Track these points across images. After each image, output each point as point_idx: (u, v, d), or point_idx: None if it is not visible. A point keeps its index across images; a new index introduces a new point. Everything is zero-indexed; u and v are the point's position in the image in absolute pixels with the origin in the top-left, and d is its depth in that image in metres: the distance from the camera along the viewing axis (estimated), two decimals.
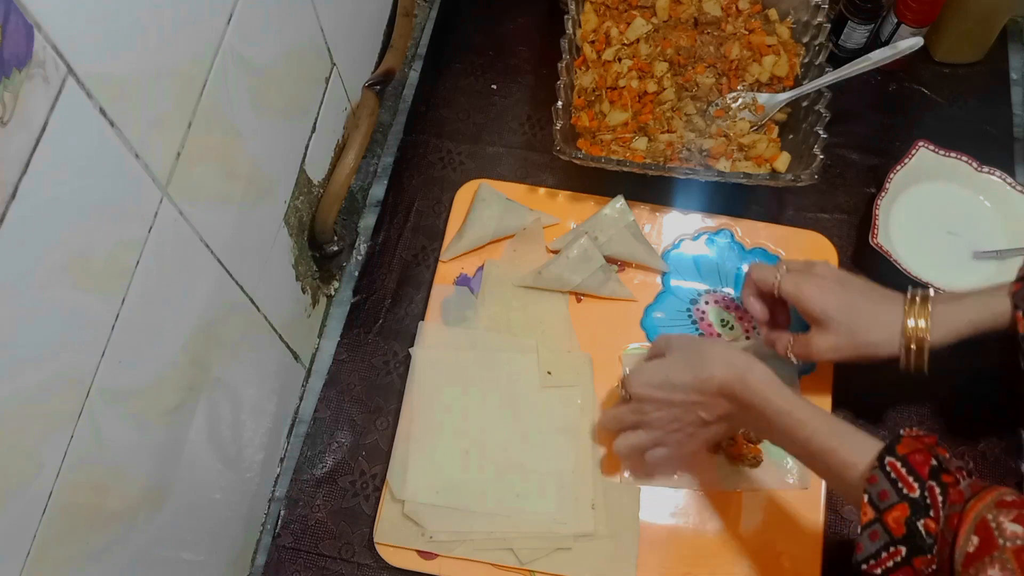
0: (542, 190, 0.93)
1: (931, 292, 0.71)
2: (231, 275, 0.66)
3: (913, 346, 0.69)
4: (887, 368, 0.84)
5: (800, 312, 0.75)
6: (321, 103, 0.80)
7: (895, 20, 0.94)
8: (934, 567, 0.54)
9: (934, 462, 0.57)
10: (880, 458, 0.58)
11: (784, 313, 0.79)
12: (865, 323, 0.71)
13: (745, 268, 0.87)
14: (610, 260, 0.88)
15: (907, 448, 0.58)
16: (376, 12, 0.94)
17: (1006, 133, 0.97)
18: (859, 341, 0.71)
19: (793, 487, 0.79)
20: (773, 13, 0.94)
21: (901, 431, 0.60)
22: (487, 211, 0.89)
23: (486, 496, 0.78)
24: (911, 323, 0.69)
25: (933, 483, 0.56)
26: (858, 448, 0.60)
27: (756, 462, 0.79)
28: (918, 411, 0.83)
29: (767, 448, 0.80)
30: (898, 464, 0.57)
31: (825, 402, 0.82)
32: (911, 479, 0.56)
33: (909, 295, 0.71)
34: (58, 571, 0.50)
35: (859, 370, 0.82)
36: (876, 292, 0.73)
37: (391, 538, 0.77)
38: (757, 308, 0.79)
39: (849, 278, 0.74)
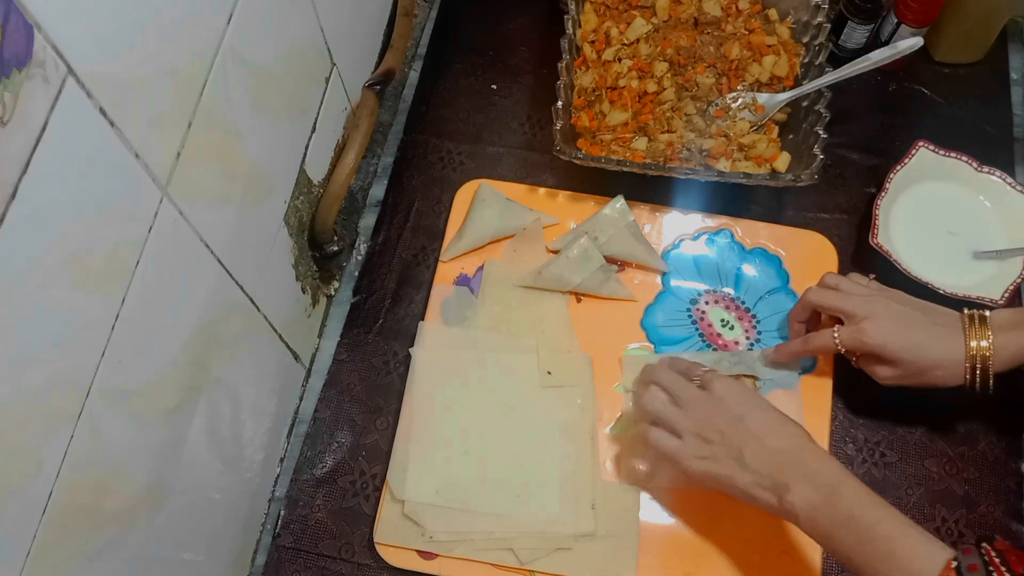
0: (542, 190, 0.93)
1: (986, 313, 0.72)
2: (231, 275, 0.66)
3: (979, 375, 0.71)
4: None
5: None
6: (321, 103, 0.80)
7: (895, 20, 0.94)
8: None
9: None
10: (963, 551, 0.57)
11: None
12: (932, 362, 0.72)
13: (746, 269, 0.88)
14: (610, 260, 0.88)
15: (1001, 545, 0.58)
16: (376, 12, 0.94)
17: (1006, 133, 0.97)
18: (926, 378, 0.73)
19: None
20: (773, 13, 0.94)
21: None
22: (487, 211, 0.89)
23: (486, 496, 0.78)
24: (973, 344, 0.71)
25: None
26: (923, 550, 0.59)
27: None
28: (918, 412, 0.83)
29: None
30: (993, 553, 0.57)
31: (825, 402, 0.82)
32: (1004, 570, 0.56)
33: (965, 315, 0.72)
34: (58, 571, 0.50)
35: (859, 374, 0.82)
36: (939, 326, 0.73)
37: (391, 538, 0.77)
38: (815, 341, 0.79)
39: (906, 310, 0.74)
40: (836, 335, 0.76)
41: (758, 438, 0.67)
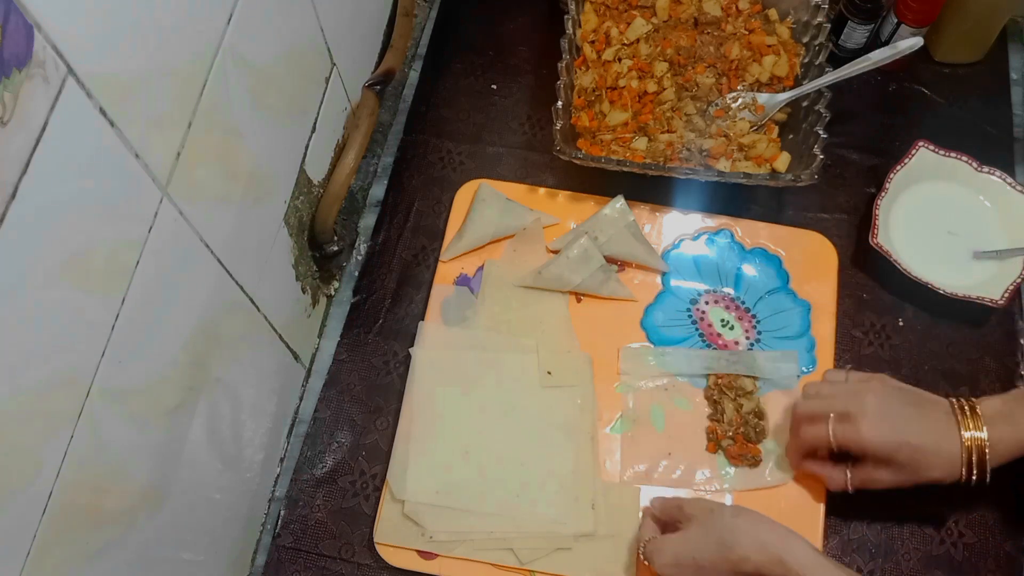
0: (542, 190, 0.93)
1: (975, 403, 0.70)
2: (231, 275, 0.66)
3: (976, 471, 0.69)
4: (886, 371, 0.84)
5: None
6: (321, 103, 0.80)
7: (895, 20, 0.94)
8: None
9: None
10: None
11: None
12: (928, 462, 0.70)
13: (746, 269, 0.88)
14: (610, 260, 0.88)
15: None
16: (376, 12, 0.94)
17: (1006, 133, 0.97)
18: (922, 476, 0.70)
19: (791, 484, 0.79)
20: (773, 13, 0.94)
21: None
22: (487, 211, 0.89)
23: (486, 496, 0.78)
24: (967, 436, 0.69)
25: None
26: None
27: (755, 462, 0.79)
28: None
29: (766, 447, 0.80)
30: None
31: None
32: None
33: (955, 406, 0.70)
34: (58, 571, 0.50)
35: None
36: (931, 419, 0.70)
37: (391, 538, 0.77)
38: (816, 468, 0.76)
39: (895, 407, 0.71)
40: (831, 428, 0.72)
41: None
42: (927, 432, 0.70)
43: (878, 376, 0.74)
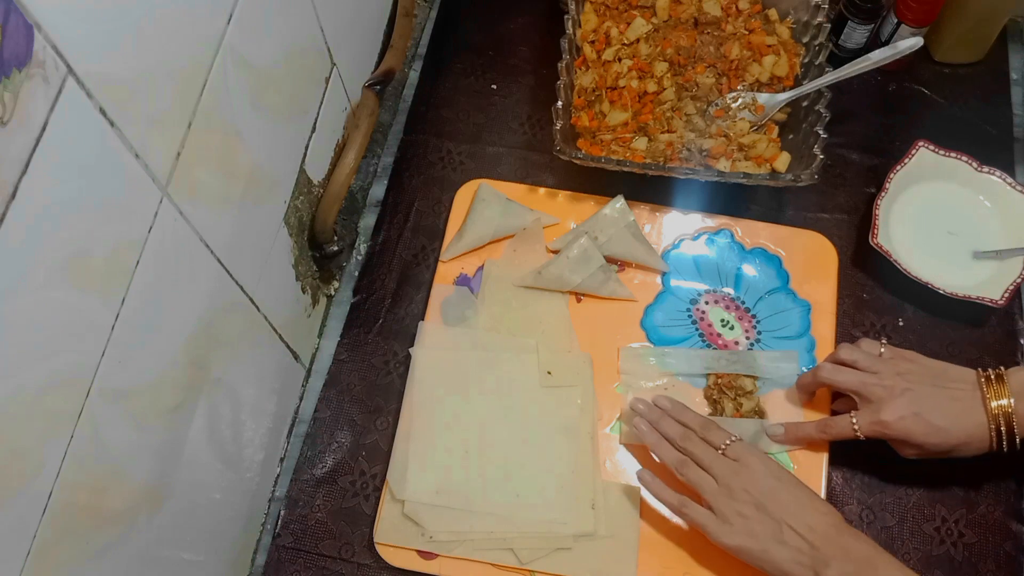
0: (542, 190, 0.93)
1: (1002, 371, 0.72)
2: (231, 275, 0.66)
3: (1002, 425, 0.70)
4: None
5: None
6: (321, 103, 0.80)
7: (895, 20, 0.94)
8: None
9: None
10: None
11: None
12: (957, 440, 0.71)
13: (746, 269, 0.88)
14: (610, 260, 0.88)
15: None
16: (376, 12, 0.94)
17: (1006, 133, 0.97)
18: (952, 455, 0.73)
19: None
20: (773, 13, 0.94)
21: None
22: (487, 211, 0.89)
23: (486, 496, 0.78)
24: (994, 404, 0.70)
25: None
26: None
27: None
28: None
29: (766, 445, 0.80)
30: None
31: (825, 402, 0.82)
32: None
33: (981, 376, 0.72)
34: (58, 571, 0.50)
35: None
36: (955, 403, 0.72)
37: (391, 538, 0.77)
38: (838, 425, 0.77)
39: (923, 391, 0.72)
40: (855, 423, 0.74)
41: (795, 514, 0.67)
42: (955, 417, 0.71)
43: (908, 355, 0.76)
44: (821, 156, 0.83)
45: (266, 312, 0.75)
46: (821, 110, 0.85)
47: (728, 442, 0.73)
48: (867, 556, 0.65)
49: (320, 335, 0.90)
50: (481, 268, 0.89)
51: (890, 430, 0.72)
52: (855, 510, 0.79)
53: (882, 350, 0.77)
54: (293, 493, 0.82)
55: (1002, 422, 0.70)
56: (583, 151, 0.89)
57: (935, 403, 0.72)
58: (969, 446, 0.71)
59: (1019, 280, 0.83)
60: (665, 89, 0.91)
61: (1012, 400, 0.70)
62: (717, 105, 0.91)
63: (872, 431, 0.74)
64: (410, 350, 0.85)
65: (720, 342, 0.85)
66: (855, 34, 0.96)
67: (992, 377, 0.71)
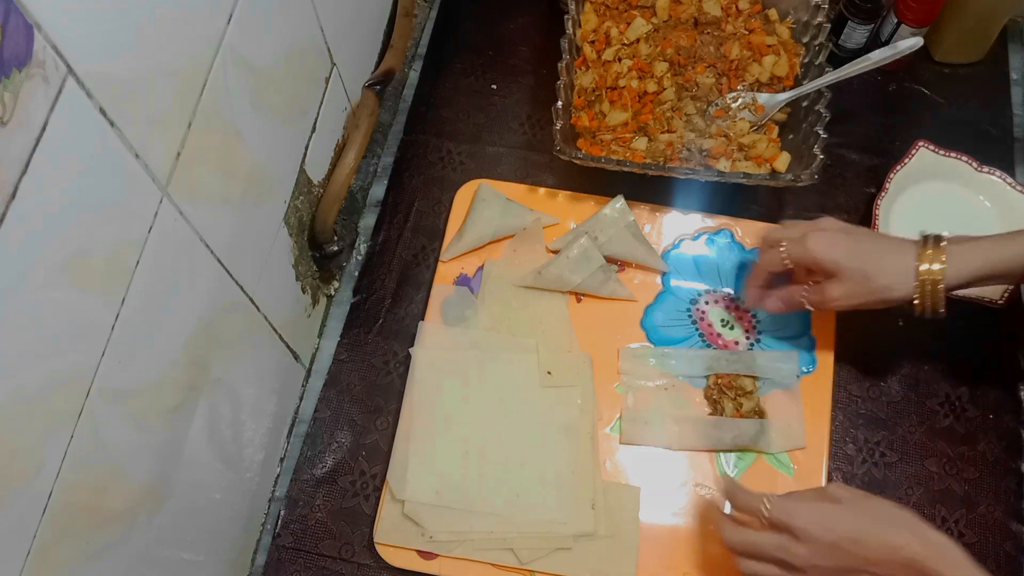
0: (542, 190, 0.93)
1: (945, 235, 0.70)
2: (231, 275, 0.66)
3: (928, 287, 0.69)
4: (887, 371, 0.85)
5: (813, 269, 0.74)
6: (321, 103, 0.80)
7: (895, 20, 0.94)
8: None
9: None
10: None
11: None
12: (877, 267, 0.70)
13: (746, 269, 0.88)
14: (610, 260, 0.88)
15: None
16: (376, 12, 0.94)
17: (1006, 133, 0.97)
18: (873, 286, 0.71)
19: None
20: (773, 13, 0.94)
21: None
22: (487, 211, 0.89)
23: (486, 496, 0.78)
24: (924, 267, 0.69)
25: None
26: None
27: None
28: (918, 414, 0.83)
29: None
30: None
31: (825, 402, 0.82)
32: None
33: (922, 239, 0.70)
34: (58, 571, 0.50)
35: (859, 374, 0.82)
36: (885, 239, 0.73)
37: (391, 538, 0.77)
38: (759, 299, 0.79)
39: (855, 227, 0.74)
40: (783, 248, 0.75)
41: (873, 561, 0.62)
42: (879, 248, 0.71)
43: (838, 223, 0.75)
44: (821, 156, 0.83)
45: (266, 312, 0.75)
46: (821, 110, 0.85)
47: (765, 505, 0.66)
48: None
49: (320, 335, 0.90)
50: (481, 268, 0.89)
51: (812, 245, 0.72)
52: None
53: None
54: (293, 493, 0.82)
55: (928, 284, 0.69)
56: (583, 151, 0.89)
57: (865, 236, 0.72)
58: (892, 283, 0.70)
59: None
60: (665, 89, 0.91)
61: (942, 264, 0.68)
62: (717, 105, 0.91)
63: (796, 250, 0.73)
64: (410, 350, 0.85)
65: (720, 342, 0.85)
66: (855, 34, 0.96)
67: (931, 239, 0.70)
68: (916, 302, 0.70)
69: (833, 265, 0.72)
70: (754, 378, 0.83)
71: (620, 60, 0.92)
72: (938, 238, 0.70)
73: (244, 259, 0.68)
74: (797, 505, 0.66)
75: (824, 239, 0.72)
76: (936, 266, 0.69)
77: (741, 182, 0.85)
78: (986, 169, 0.89)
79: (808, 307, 0.76)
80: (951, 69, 1.00)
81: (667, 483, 0.80)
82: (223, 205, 0.63)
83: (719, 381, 0.83)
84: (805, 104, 0.88)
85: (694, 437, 0.81)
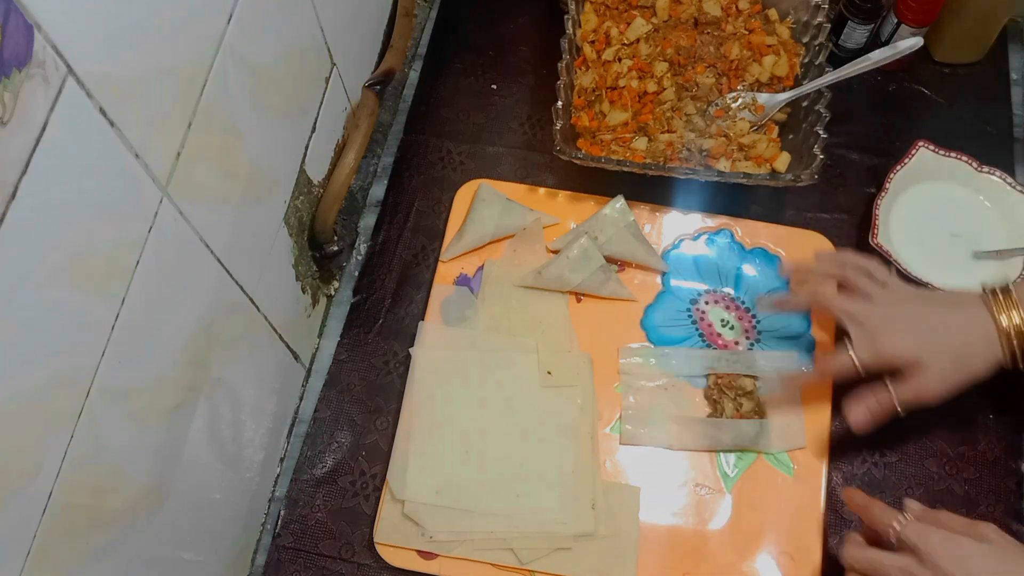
0: (542, 190, 0.93)
1: (1009, 286, 0.67)
2: (231, 275, 0.66)
3: (1016, 340, 0.65)
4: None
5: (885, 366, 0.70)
6: (321, 103, 0.80)
7: (895, 20, 0.94)
8: None
9: None
10: None
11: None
12: (960, 343, 0.66)
13: (746, 269, 0.88)
14: (610, 260, 0.88)
15: None
16: (376, 12, 0.94)
17: (1006, 133, 0.97)
18: (964, 373, 0.67)
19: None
20: (773, 13, 0.94)
21: None
22: (487, 211, 0.89)
23: (486, 496, 0.78)
24: (1005, 321, 0.66)
25: None
26: None
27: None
28: (918, 414, 0.83)
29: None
30: None
31: (825, 402, 0.82)
32: None
33: (985, 292, 0.68)
34: (58, 571, 0.50)
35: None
36: (944, 306, 0.68)
37: (391, 538, 0.77)
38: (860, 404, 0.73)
39: (915, 310, 0.69)
40: (851, 353, 0.70)
41: None
42: (955, 328, 0.67)
43: (893, 281, 0.72)
44: (821, 156, 0.83)
45: (266, 312, 0.75)
46: (821, 110, 0.85)
47: (900, 520, 0.64)
48: None
49: (320, 335, 0.90)
50: (481, 268, 0.89)
51: (886, 349, 0.67)
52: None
53: (886, 282, 0.71)
54: (293, 493, 0.82)
55: (1015, 337, 0.64)
56: (583, 151, 0.89)
57: (930, 314, 0.67)
58: (981, 359, 0.66)
59: (1019, 280, 0.83)
60: (665, 89, 0.91)
61: (1020, 312, 0.65)
62: (717, 105, 0.91)
63: (865, 358, 0.68)
64: (410, 350, 0.85)
65: (720, 342, 0.85)
66: (855, 34, 0.96)
67: (998, 291, 0.66)
68: (1006, 361, 0.66)
69: (913, 361, 0.67)
70: (754, 378, 0.83)
71: (620, 60, 0.92)
72: (1005, 289, 0.67)
73: (244, 259, 0.68)
74: (935, 532, 0.62)
75: (896, 334, 0.67)
76: (1015, 315, 0.65)
77: (741, 182, 0.85)
78: (986, 169, 0.89)
79: (903, 414, 0.71)
80: (951, 69, 1.00)
81: (667, 483, 0.80)
82: (223, 205, 0.63)
83: (719, 381, 0.83)
84: (805, 104, 0.88)
85: (694, 437, 0.81)
